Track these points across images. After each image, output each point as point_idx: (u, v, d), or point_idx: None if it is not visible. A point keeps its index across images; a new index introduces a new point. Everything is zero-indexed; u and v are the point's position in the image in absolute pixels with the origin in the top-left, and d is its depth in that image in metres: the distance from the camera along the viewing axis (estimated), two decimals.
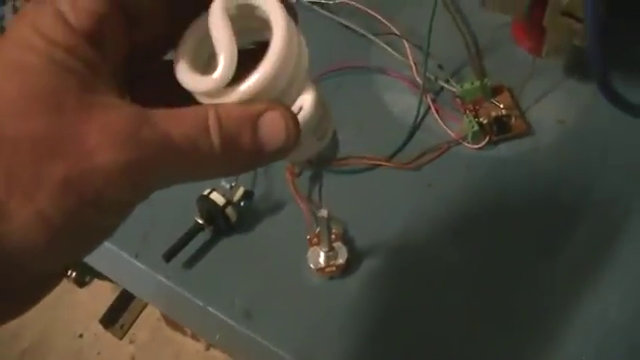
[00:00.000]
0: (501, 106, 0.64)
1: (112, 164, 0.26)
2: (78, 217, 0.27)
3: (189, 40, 0.32)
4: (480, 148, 0.63)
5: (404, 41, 0.68)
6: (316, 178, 0.62)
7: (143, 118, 0.28)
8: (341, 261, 0.55)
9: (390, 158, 0.63)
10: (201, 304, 0.57)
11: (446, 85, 0.67)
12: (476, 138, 0.63)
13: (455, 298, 0.55)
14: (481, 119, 0.63)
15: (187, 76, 0.31)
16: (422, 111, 0.66)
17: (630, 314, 0.53)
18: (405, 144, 0.64)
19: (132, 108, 0.28)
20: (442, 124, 0.65)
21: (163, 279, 0.58)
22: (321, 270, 0.56)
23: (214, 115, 0.29)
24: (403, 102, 0.67)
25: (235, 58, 0.30)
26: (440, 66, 0.68)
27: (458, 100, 0.65)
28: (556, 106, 0.66)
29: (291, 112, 0.32)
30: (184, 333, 1.53)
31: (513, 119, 0.64)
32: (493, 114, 0.64)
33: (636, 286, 0.55)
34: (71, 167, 0.26)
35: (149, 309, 1.55)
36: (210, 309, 0.56)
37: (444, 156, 0.63)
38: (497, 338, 0.53)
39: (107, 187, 0.26)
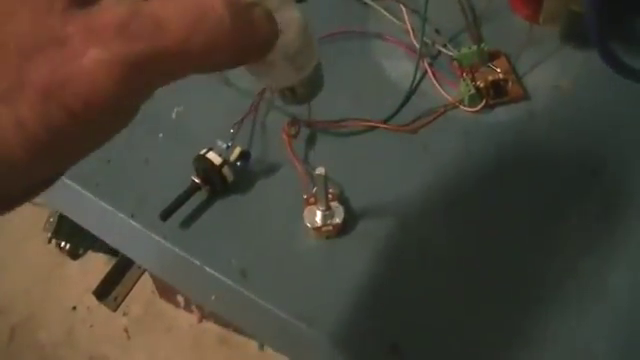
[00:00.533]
0: (498, 70, 0.65)
1: (97, 64, 0.24)
2: (62, 129, 0.25)
3: None
4: (476, 112, 0.63)
5: (401, 6, 0.68)
6: (312, 140, 0.62)
7: (134, 10, 0.25)
8: (338, 220, 0.56)
9: (387, 121, 0.63)
10: (198, 264, 0.57)
11: (443, 50, 0.67)
12: (473, 102, 0.63)
13: (450, 258, 0.55)
14: (478, 83, 0.63)
15: None
16: (419, 76, 0.66)
17: (631, 283, 0.54)
18: (402, 108, 0.64)
19: (124, 2, 0.26)
20: (439, 88, 0.65)
21: (160, 239, 0.58)
22: (318, 229, 0.56)
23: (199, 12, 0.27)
24: (400, 67, 0.67)
25: None
26: (437, 31, 0.68)
27: (455, 64, 0.65)
28: (552, 72, 0.66)
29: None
30: (177, 305, 1.53)
31: (510, 84, 0.64)
32: (490, 78, 0.64)
33: (633, 253, 0.55)
34: (54, 70, 0.24)
35: (143, 282, 1.55)
36: (207, 269, 0.56)
37: (440, 119, 0.63)
38: (491, 298, 0.53)
39: (94, 94, 0.25)
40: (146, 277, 1.51)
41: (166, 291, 1.50)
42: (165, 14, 0.26)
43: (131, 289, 1.58)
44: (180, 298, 1.51)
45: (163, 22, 0.26)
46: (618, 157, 0.60)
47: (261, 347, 1.44)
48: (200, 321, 1.52)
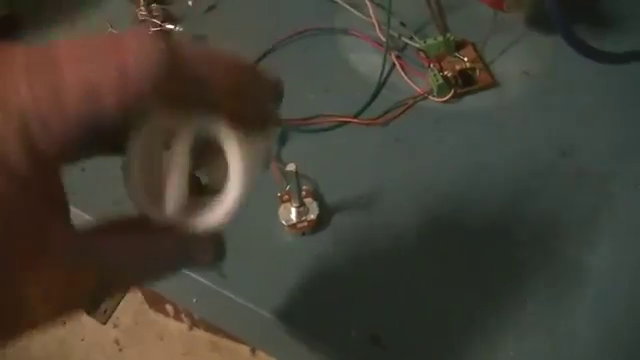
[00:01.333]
0: (465, 59, 0.65)
1: None
2: None
3: (140, 154, 0.31)
4: (446, 102, 0.64)
5: (366, 0, 0.68)
6: (284, 137, 0.62)
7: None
8: (312, 217, 0.56)
9: (357, 115, 0.63)
10: None
11: (410, 42, 0.67)
12: (441, 92, 0.63)
13: (427, 248, 0.56)
14: (446, 73, 0.64)
15: (139, 197, 0.31)
16: (387, 68, 0.66)
17: (607, 265, 0.54)
18: (372, 101, 0.64)
19: (73, 272, 0.28)
20: (407, 80, 0.65)
21: None
22: (293, 226, 0.56)
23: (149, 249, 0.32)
24: (368, 61, 0.68)
25: (184, 199, 0.32)
26: (403, 23, 0.69)
27: (422, 55, 0.65)
28: (520, 58, 0.67)
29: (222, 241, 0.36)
30: (166, 314, 1.53)
31: (478, 72, 0.65)
32: (457, 67, 0.64)
33: (611, 235, 0.55)
34: None
35: (131, 292, 1.55)
36: (185, 271, 0.56)
37: (411, 111, 0.64)
38: (472, 288, 0.53)
39: None
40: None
41: (155, 301, 1.49)
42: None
43: (120, 300, 1.58)
44: (169, 307, 1.51)
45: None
46: (587, 138, 0.61)
47: (252, 351, 1.44)
48: (190, 329, 1.52)
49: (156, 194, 0.32)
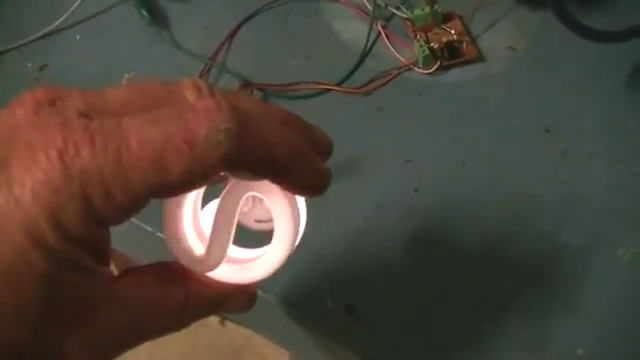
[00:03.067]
0: (452, 32, 0.64)
1: None
2: None
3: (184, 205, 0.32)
4: (431, 73, 0.63)
5: None
6: (265, 102, 0.61)
7: (120, 326, 0.29)
8: None
9: (340, 83, 0.62)
10: (150, 230, 0.55)
11: (396, 12, 0.66)
12: (427, 63, 0.62)
13: (406, 218, 0.55)
14: (432, 44, 0.63)
15: (178, 252, 0.32)
16: (372, 38, 0.65)
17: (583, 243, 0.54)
18: (355, 70, 0.63)
19: (113, 314, 0.29)
20: (393, 50, 0.64)
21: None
22: None
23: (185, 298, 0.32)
24: (353, 29, 0.67)
25: (225, 251, 0.32)
26: None
27: (409, 24, 0.64)
28: (506, 33, 0.66)
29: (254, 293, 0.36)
30: None
31: (464, 45, 0.64)
32: (444, 39, 0.63)
33: (593, 215, 0.55)
34: None
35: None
36: (159, 234, 0.55)
37: (395, 81, 0.63)
38: (451, 260, 0.53)
39: None
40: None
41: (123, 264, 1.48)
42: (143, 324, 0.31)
43: None
44: None
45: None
46: (571, 116, 0.60)
47: (221, 322, 1.43)
48: (222, 323, 1.51)
49: (198, 248, 0.33)
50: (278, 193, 0.32)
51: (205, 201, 0.35)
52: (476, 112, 0.61)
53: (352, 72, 0.63)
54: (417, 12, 0.64)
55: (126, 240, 0.57)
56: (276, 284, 0.51)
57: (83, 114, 0.27)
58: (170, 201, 0.32)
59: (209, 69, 0.63)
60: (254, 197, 0.33)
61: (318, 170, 0.33)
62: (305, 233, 0.51)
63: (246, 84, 0.60)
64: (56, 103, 0.27)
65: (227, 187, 0.32)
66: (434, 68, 0.62)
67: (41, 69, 0.66)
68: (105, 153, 0.25)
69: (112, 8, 0.70)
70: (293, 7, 0.68)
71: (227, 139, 0.27)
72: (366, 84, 0.62)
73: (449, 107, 0.61)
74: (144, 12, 0.67)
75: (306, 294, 0.51)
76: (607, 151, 0.58)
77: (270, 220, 0.34)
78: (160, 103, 0.28)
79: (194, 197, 0.34)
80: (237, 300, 0.35)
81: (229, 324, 1.42)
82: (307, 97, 0.62)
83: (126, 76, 0.64)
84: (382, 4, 0.66)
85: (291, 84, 0.62)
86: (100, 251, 0.27)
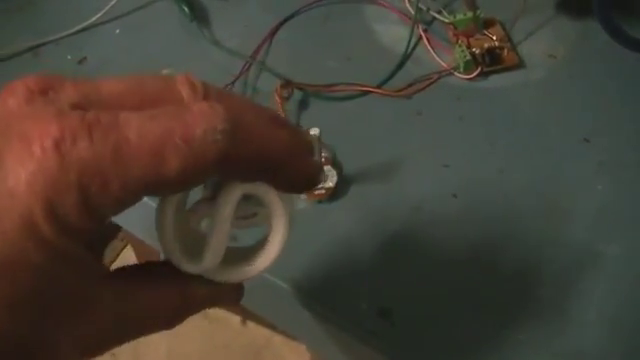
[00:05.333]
0: (493, 38, 0.64)
1: None
2: None
3: (176, 205, 0.32)
4: (471, 79, 0.62)
5: None
6: (305, 103, 0.61)
7: (118, 323, 0.29)
8: (331, 184, 0.55)
9: (380, 86, 0.62)
10: None
11: (438, 16, 0.66)
12: (468, 68, 0.62)
13: (443, 222, 0.55)
14: (473, 49, 0.63)
15: (175, 255, 0.32)
16: (413, 42, 0.65)
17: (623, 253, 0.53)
18: (395, 73, 0.63)
19: (106, 312, 0.29)
20: (433, 54, 0.64)
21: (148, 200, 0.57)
22: (310, 193, 0.55)
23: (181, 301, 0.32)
24: (394, 32, 0.66)
25: (223, 252, 0.32)
26: None
27: (451, 28, 0.64)
28: (547, 41, 0.66)
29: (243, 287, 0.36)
30: None
31: (505, 51, 0.64)
32: (485, 45, 0.63)
33: (629, 226, 0.55)
34: None
35: (124, 257, 1.54)
36: None
37: (434, 86, 0.62)
38: (487, 268, 0.53)
39: None
40: (129, 251, 1.49)
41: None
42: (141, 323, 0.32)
43: (114, 261, 1.58)
44: None
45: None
46: (610, 127, 0.60)
47: (243, 322, 1.44)
48: (244, 323, 1.51)
49: (191, 248, 0.33)
50: (272, 193, 0.32)
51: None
52: (515, 119, 0.60)
53: (392, 75, 0.63)
54: (459, 17, 0.64)
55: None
56: (309, 284, 0.51)
57: (77, 105, 0.26)
58: (163, 201, 0.32)
59: (249, 67, 0.63)
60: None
61: (310, 166, 0.33)
62: (342, 235, 0.51)
63: (286, 83, 0.60)
64: (49, 93, 0.27)
65: (221, 188, 0.32)
66: (475, 74, 0.62)
67: (80, 62, 0.66)
68: (104, 144, 0.25)
69: (152, 3, 0.71)
70: (333, 8, 0.68)
71: (223, 137, 0.27)
72: (406, 87, 0.62)
73: (488, 113, 0.61)
74: (185, 8, 0.67)
75: (340, 296, 0.51)
76: None
77: (252, 216, 0.34)
78: (155, 100, 0.28)
79: (185, 197, 0.34)
80: (228, 296, 0.35)
81: (250, 324, 1.42)
82: (346, 99, 0.62)
83: (164, 72, 0.64)
84: (424, 8, 0.66)
85: (331, 85, 0.61)
86: (95, 245, 0.27)
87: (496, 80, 0.63)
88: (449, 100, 0.62)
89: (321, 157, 0.53)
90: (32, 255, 0.24)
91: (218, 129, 0.27)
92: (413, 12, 0.64)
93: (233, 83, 0.61)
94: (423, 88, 0.62)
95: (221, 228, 0.32)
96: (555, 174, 0.57)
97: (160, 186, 0.27)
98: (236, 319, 1.44)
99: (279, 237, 0.34)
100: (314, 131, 0.50)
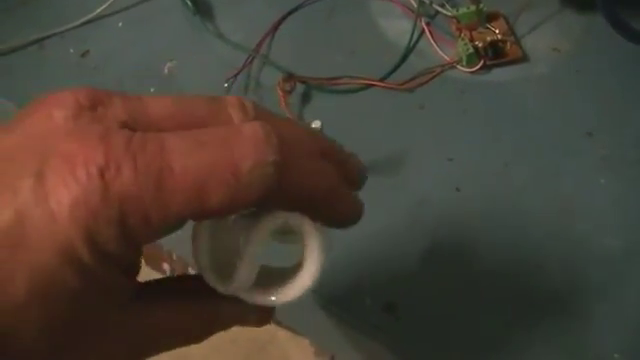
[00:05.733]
0: (497, 31, 0.64)
1: None
2: None
3: (213, 227, 0.32)
4: (474, 72, 0.62)
5: None
6: (307, 96, 0.61)
7: (148, 340, 0.29)
8: None
9: (383, 79, 0.62)
10: None
11: (441, 9, 0.65)
12: (471, 61, 0.62)
13: (447, 216, 0.54)
14: (476, 43, 0.63)
15: (207, 273, 0.32)
16: (416, 35, 0.65)
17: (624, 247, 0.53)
18: (398, 66, 0.63)
19: (135, 336, 0.29)
20: (436, 48, 0.64)
21: None
22: None
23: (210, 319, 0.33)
24: (397, 26, 0.66)
25: (254, 275, 0.32)
26: None
27: (454, 22, 0.64)
28: (551, 35, 0.66)
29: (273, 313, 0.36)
30: (163, 273, 1.52)
31: (508, 45, 0.63)
32: (488, 39, 0.63)
33: (634, 220, 0.54)
34: None
35: None
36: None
37: (437, 79, 0.62)
38: (492, 257, 0.53)
39: None
40: None
41: (152, 258, 1.48)
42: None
43: None
44: (166, 266, 1.50)
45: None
46: (614, 121, 0.59)
47: None
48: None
49: (225, 268, 0.32)
50: (309, 225, 0.32)
51: None
52: (518, 113, 0.60)
53: (395, 68, 0.63)
54: (462, 10, 0.64)
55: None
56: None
57: (124, 124, 0.26)
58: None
59: (252, 60, 0.63)
60: None
61: (351, 205, 0.33)
62: (345, 230, 0.51)
63: (289, 77, 0.60)
64: (97, 109, 0.26)
65: (258, 212, 0.32)
66: (477, 67, 0.62)
67: (83, 55, 0.66)
68: (147, 176, 0.24)
69: None
70: (337, 2, 0.68)
71: (272, 172, 0.26)
72: (409, 81, 0.62)
73: (491, 107, 0.61)
74: (188, 1, 0.67)
75: (345, 291, 0.51)
76: None
77: (293, 233, 0.34)
78: (204, 121, 0.28)
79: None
80: (257, 319, 0.35)
81: None
82: (350, 92, 0.61)
83: (168, 65, 0.64)
84: (427, 1, 0.66)
85: (334, 78, 0.61)
86: (130, 268, 0.27)
87: (499, 74, 0.63)
88: (452, 93, 0.61)
89: None
90: (69, 280, 0.24)
91: (269, 161, 0.26)
92: (416, 5, 0.64)
93: (236, 76, 0.61)
94: (426, 81, 0.62)
95: (253, 253, 0.31)
96: (558, 168, 0.57)
97: (201, 216, 0.27)
98: None
99: (311, 269, 0.33)
100: (316, 124, 0.50)
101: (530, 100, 0.61)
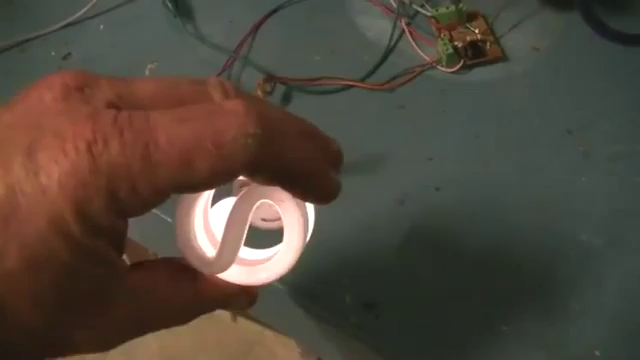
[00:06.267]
0: (476, 31, 0.64)
1: None
2: None
3: (194, 207, 0.33)
4: (454, 72, 0.63)
5: None
6: (288, 97, 0.61)
7: (128, 319, 0.30)
8: None
9: (363, 80, 0.62)
10: (170, 221, 0.55)
11: (421, 9, 0.66)
12: (451, 61, 0.62)
13: (427, 215, 0.55)
14: (456, 43, 0.63)
15: (189, 253, 0.32)
16: (396, 35, 0.65)
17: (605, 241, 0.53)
18: (378, 67, 0.63)
19: (124, 307, 0.29)
20: (416, 48, 0.64)
21: None
22: None
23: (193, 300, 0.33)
24: (377, 26, 0.67)
25: (236, 254, 0.32)
26: None
27: (434, 22, 0.64)
28: (531, 34, 0.66)
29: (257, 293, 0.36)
30: None
31: (488, 44, 0.64)
32: (468, 38, 0.63)
33: (614, 216, 0.55)
34: None
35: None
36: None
37: (418, 79, 0.63)
38: (471, 256, 0.53)
39: None
40: None
41: (137, 256, 1.48)
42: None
43: None
44: None
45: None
46: (594, 119, 0.60)
47: (233, 318, 1.44)
48: (234, 319, 1.51)
49: (208, 248, 0.33)
50: (290, 201, 0.32)
51: (215, 197, 0.36)
52: (498, 112, 0.61)
53: (375, 69, 0.63)
54: (442, 10, 0.64)
55: (144, 230, 0.57)
56: (294, 278, 0.51)
57: (111, 104, 0.27)
58: (184, 198, 0.32)
59: (232, 62, 0.63)
60: None
61: (330, 182, 0.33)
62: (325, 228, 0.51)
63: (269, 77, 0.60)
64: (84, 90, 0.27)
65: (240, 192, 0.32)
66: (457, 67, 0.62)
67: (64, 58, 0.66)
68: (133, 148, 0.25)
69: None
70: (318, 2, 0.68)
71: (254, 143, 0.27)
72: (389, 81, 0.62)
73: (471, 106, 0.61)
74: (169, 3, 0.67)
75: (325, 289, 0.51)
76: (629, 154, 0.58)
77: (276, 219, 0.34)
78: (188, 100, 0.28)
79: (207, 195, 0.34)
80: (241, 300, 0.36)
81: (241, 320, 1.42)
82: (330, 92, 0.62)
83: (149, 67, 0.65)
84: (407, 1, 0.66)
85: (314, 79, 0.62)
86: (118, 241, 0.28)
87: (480, 73, 0.63)
88: (432, 93, 0.62)
89: None
90: (60, 252, 0.25)
91: (249, 132, 0.27)
92: (396, 6, 0.65)
93: (217, 77, 0.61)
94: (406, 82, 0.62)
95: (235, 231, 0.32)
96: (539, 166, 0.57)
97: (187, 187, 0.27)
98: (226, 315, 1.44)
99: (293, 247, 0.34)
100: None
101: (510, 99, 0.61)
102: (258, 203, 0.32)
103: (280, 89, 0.61)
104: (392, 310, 0.50)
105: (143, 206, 0.26)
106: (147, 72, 0.64)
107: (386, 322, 0.50)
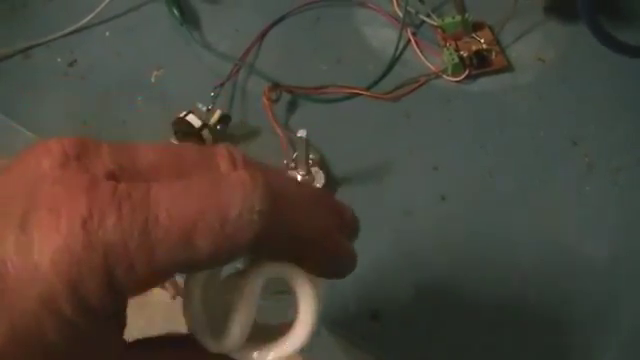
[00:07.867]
0: (482, 41, 0.64)
1: None
2: None
3: (203, 284, 0.31)
4: (459, 81, 0.63)
5: None
6: (293, 105, 0.61)
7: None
8: (318, 185, 0.55)
9: (369, 88, 0.62)
10: None
11: (427, 19, 0.66)
12: (456, 71, 0.62)
13: (432, 226, 0.55)
14: (461, 52, 0.63)
15: (198, 331, 0.31)
16: (402, 45, 0.65)
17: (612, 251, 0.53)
18: (384, 76, 0.63)
19: None
20: (422, 57, 0.64)
21: None
22: None
23: None
24: (383, 35, 0.67)
25: (247, 333, 0.30)
26: (421, 0, 0.68)
27: (439, 32, 0.64)
28: (536, 45, 0.66)
29: None
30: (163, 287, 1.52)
31: (493, 54, 0.64)
32: (474, 48, 0.63)
33: (618, 228, 0.55)
34: None
35: None
36: None
37: (423, 88, 0.63)
38: (475, 267, 0.53)
39: None
40: None
41: None
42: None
43: None
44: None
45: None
46: (599, 130, 0.60)
47: None
48: (174, 298, 1.51)
49: (217, 326, 0.32)
50: (301, 275, 0.31)
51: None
52: (503, 122, 0.61)
53: (381, 78, 0.63)
54: (448, 20, 0.64)
55: None
56: None
57: (111, 174, 0.25)
58: (191, 275, 0.31)
59: (238, 70, 0.63)
60: None
61: (344, 256, 0.32)
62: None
63: (275, 86, 0.60)
64: (84, 158, 0.26)
65: (248, 267, 0.31)
66: (463, 76, 0.62)
67: (70, 65, 0.66)
68: (132, 224, 0.24)
69: (142, 6, 0.71)
70: (324, 11, 0.69)
71: (260, 219, 0.25)
72: (394, 90, 0.62)
73: (477, 116, 0.61)
74: (175, 11, 0.67)
75: (329, 299, 0.51)
76: (633, 165, 0.58)
77: (288, 292, 0.33)
78: (192, 170, 0.27)
79: (218, 271, 0.33)
80: None
81: None
82: (335, 101, 0.62)
83: (155, 74, 0.65)
84: (413, 11, 0.66)
85: (320, 87, 0.62)
86: (115, 319, 0.26)
87: (485, 83, 0.63)
88: (437, 103, 0.62)
89: (309, 158, 0.53)
90: (49, 332, 0.23)
91: (255, 209, 0.25)
92: (402, 15, 0.65)
93: (222, 85, 0.61)
94: (412, 91, 0.62)
95: (246, 310, 0.30)
96: (543, 176, 0.57)
97: (188, 267, 0.26)
98: None
99: (306, 322, 0.31)
100: (302, 133, 0.50)
101: (515, 109, 0.61)
102: (266, 277, 0.31)
103: (285, 97, 0.61)
104: (397, 320, 0.50)
105: (141, 286, 0.25)
106: (153, 79, 0.64)
107: (391, 332, 0.50)
